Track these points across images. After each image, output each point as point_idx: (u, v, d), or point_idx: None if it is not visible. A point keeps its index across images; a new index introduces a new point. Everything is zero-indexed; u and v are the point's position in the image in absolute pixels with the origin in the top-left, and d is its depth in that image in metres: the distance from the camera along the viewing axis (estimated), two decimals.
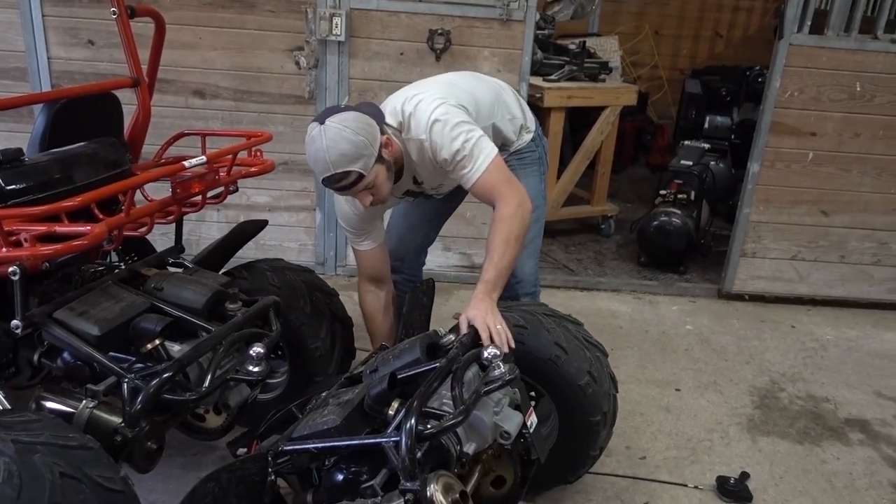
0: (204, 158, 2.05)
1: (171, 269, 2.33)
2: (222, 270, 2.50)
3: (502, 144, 2.46)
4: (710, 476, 2.58)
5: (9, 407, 1.87)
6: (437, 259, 3.88)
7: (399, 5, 3.53)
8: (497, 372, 1.76)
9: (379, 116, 2.13)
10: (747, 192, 3.86)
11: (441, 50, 3.58)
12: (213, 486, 1.57)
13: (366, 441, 1.64)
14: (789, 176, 3.82)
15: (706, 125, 5.34)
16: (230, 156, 2.18)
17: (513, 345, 1.94)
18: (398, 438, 1.54)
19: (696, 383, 3.20)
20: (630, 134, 6.30)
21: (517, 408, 1.87)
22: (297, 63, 3.60)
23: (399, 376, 1.75)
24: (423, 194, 2.45)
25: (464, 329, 1.96)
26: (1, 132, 3.55)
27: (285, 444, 1.69)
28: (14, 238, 1.72)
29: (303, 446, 1.67)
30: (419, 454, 1.56)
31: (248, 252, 2.77)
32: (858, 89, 3.64)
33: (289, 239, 3.98)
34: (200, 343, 1.98)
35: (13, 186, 1.98)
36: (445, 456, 1.67)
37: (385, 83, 3.65)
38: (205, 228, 3.91)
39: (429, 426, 1.59)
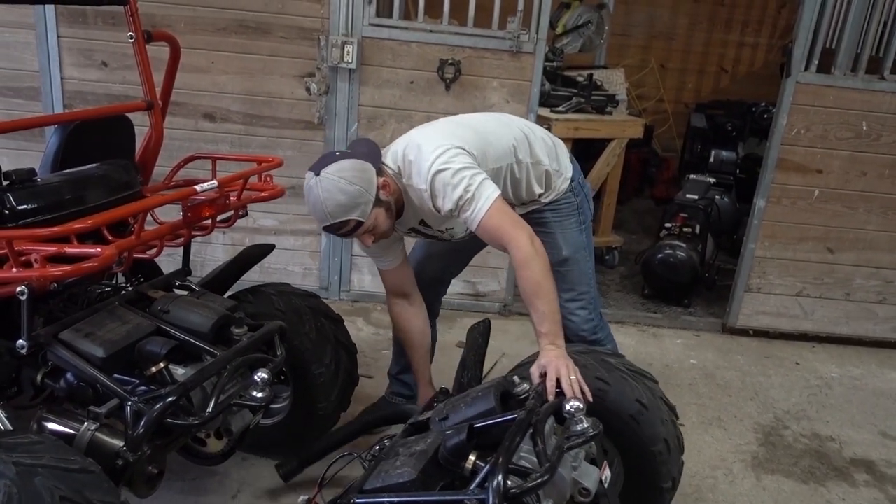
0: (215, 183, 2.06)
1: (178, 292, 2.33)
2: (228, 294, 2.50)
3: (528, 195, 2.38)
4: None
5: (10, 428, 1.86)
6: None
7: (410, 35, 3.57)
8: (580, 427, 1.69)
9: (375, 156, 2.13)
10: (753, 228, 3.87)
11: (451, 80, 3.61)
12: None
13: (446, 498, 1.56)
14: (795, 212, 3.82)
15: (712, 159, 5.36)
16: (241, 181, 2.19)
17: (589, 397, 1.85)
18: (484, 497, 1.47)
19: (700, 419, 3.18)
20: (635, 166, 6.32)
21: (592, 461, 1.82)
22: (308, 89, 3.64)
23: (475, 426, 1.68)
24: (435, 237, 2.41)
25: (535, 379, 1.90)
26: (12, 150, 3.57)
27: (357, 497, 1.62)
28: (24, 258, 1.72)
29: (377, 500, 1.60)
30: None
31: (253, 275, 2.77)
32: (865, 128, 3.66)
33: (293, 263, 3.98)
34: (205, 367, 1.97)
35: (24, 206, 1.98)
36: None
37: (394, 111, 3.68)
38: (210, 250, 3.91)
39: (511, 484, 1.50)
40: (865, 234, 3.86)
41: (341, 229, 2.06)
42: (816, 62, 3.57)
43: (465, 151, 2.09)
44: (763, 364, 3.76)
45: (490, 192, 2.04)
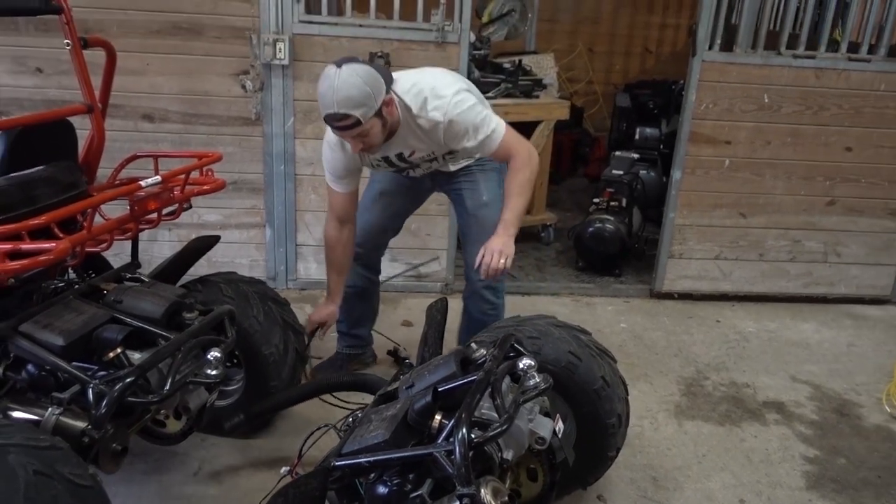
0: (159, 178, 2.20)
1: (129, 284, 2.46)
2: (178, 285, 2.63)
3: (471, 153, 2.70)
4: (640, 457, 2.81)
5: None
6: (385, 269, 4.02)
7: (340, 30, 3.72)
8: (532, 382, 1.86)
9: (388, 79, 2.39)
10: (671, 198, 4.15)
11: None
12: (282, 502, 1.65)
13: (417, 452, 1.69)
14: (709, 182, 4.12)
15: (637, 136, 5.64)
16: (183, 175, 2.33)
17: (502, 271, 2.42)
18: (451, 448, 1.62)
19: (629, 376, 3.37)
20: (567, 146, 6.60)
21: (546, 414, 2.00)
22: (244, 86, 3.76)
23: (439, 389, 1.84)
24: (400, 170, 2.75)
25: (478, 257, 2.44)
26: None
27: (336, 460, 1.75)
28: None
29: (355, 461, 1.73)
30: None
31: (201, 269, 2.88)
32: (766, 101, 3.97)
33: (240, 255, 4.11)
34: (160, 350, 2.11)
35: None
36: (489, 463, 1.77)
37: None
38: (157, 248, 4.01)
39: (474, 436, 1.65)
40: (773, 199, 4.18)
41: (341, 121, 2.28)
42: (719, 41, 3.85)
43: (471, 93, 2.54)
44: (687, 324, 4.06)
45: (498, 119, 2.53)
